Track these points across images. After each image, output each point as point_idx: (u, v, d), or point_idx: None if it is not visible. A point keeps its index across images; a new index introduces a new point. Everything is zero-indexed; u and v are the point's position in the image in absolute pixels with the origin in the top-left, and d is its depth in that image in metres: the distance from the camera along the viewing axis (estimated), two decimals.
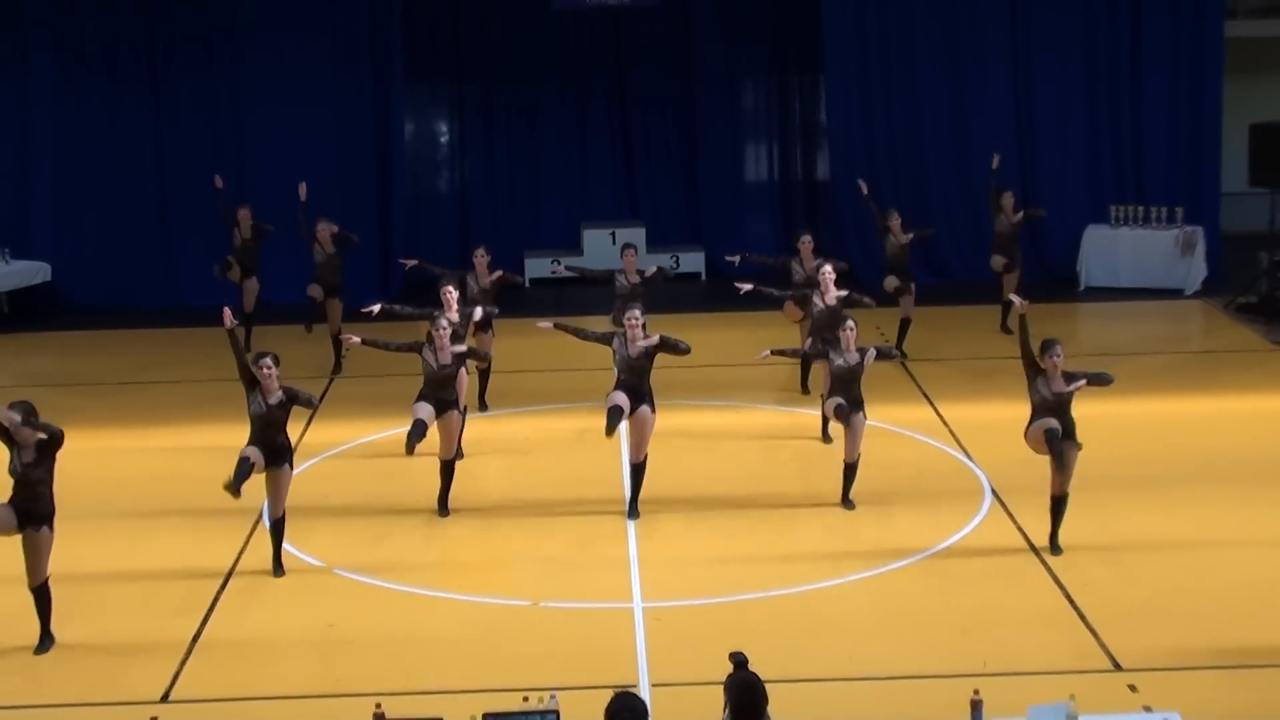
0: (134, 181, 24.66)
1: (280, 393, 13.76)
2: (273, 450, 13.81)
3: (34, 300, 24.06)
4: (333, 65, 24.57)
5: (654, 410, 15.34)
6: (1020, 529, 14.66)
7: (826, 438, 17.13)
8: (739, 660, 9.42)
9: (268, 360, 13.76)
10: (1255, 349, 21.25)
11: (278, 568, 14.10)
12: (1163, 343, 21.92)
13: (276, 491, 13.99)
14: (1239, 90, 25.24)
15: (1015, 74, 25.08)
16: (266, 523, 14.49)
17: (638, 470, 15.41)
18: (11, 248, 24.06)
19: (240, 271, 21.00)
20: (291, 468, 14.10)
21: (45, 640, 12.60)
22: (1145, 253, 24.15)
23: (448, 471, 15.45)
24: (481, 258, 18.44)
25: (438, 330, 15.29)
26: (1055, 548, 14.11)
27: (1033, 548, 14.32)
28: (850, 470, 15.37)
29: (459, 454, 15.88)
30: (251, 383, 13.77)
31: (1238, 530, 14.63)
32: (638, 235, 25.26)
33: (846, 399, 15.20)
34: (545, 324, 16.05)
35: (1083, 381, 13.92)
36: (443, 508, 15.45)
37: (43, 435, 12.08)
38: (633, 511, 15.34)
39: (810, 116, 26.76)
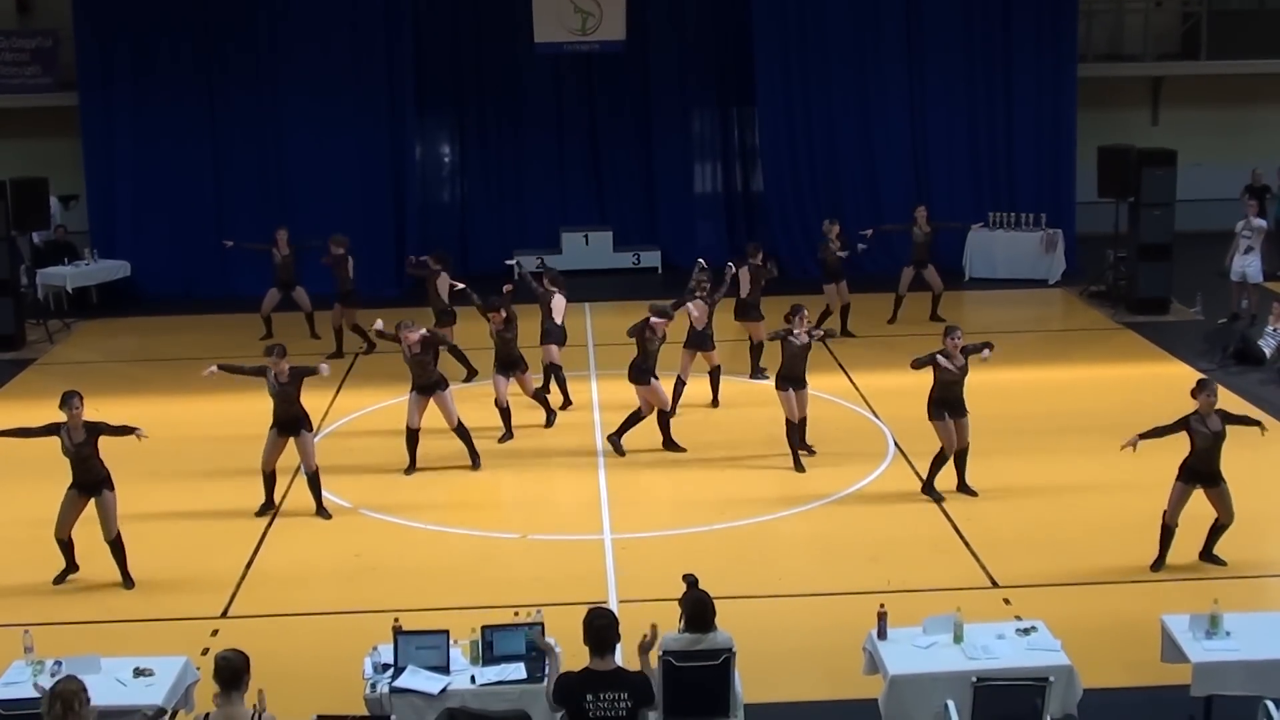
0: (197, 197, 24.45)
1: (288, 372, 13.71)
2: (290, 420, 13.81)
3: (117, 292, 23.92)
4: (357, 100, 24.40)
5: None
6: (917, 474, 14.63)
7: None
8: (691, 580, 9.41)
9: (274, 355, 13.76)
10: (1104, 328, 21.28)
11: (321, 511, 14.04)
12: (1031, 323, 21.94)
13: (305, 453, 13.96)
14: (1089, 120, 25.26)
15: (911, 106, 25.05)
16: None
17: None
18: (100, 249, 23.98)
19: (284, 283, 20.77)
20: (310, 431, 14.04)
21: (127, 582, 12.52)
22: (1017, 250, 24.17)
23: (463, 433, 15.31)
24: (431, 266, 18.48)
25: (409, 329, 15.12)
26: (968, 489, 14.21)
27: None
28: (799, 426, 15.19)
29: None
30: (263, 372, 13.78)
31: (1092, 474, 14.66)
32: (606, 238, 25.24)
33: (794, 373, 14.99)
34: None
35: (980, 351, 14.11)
36: (475, 461, 15.29)
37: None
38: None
39: (747, 140, 26.65)
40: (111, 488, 12.33)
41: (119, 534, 12.41)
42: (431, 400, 15.13)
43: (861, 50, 24.81)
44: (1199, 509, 12.28)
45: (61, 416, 12.17)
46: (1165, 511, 12.30)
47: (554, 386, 17.17)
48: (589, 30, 24.90)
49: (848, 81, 24.88)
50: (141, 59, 24.25)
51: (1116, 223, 22.52)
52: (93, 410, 12.45)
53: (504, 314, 15.99)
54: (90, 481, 12.24)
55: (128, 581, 12.49)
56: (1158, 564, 12.38)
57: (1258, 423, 12.60)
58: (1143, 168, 21.46)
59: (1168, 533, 12.34)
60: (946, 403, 13.93)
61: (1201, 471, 12.17)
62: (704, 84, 26.42)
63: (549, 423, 16.65)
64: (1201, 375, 12.47)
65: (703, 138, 26.89)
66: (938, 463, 14.11)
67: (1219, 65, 26.81)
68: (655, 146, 26.23)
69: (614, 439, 15.68)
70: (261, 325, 20.73)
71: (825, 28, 24.71)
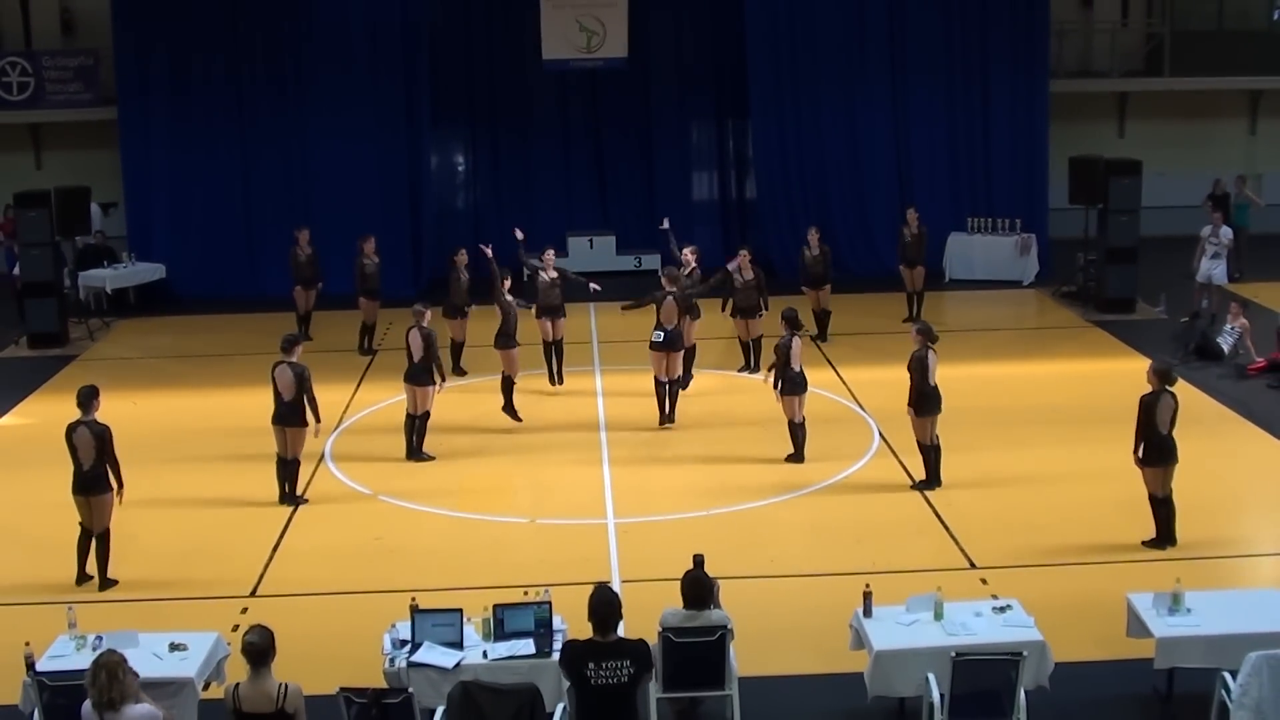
0: (227, 204, 24.46)
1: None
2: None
3: (153, 293, 23.86)
4: (376, 113, 24.37)
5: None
6: (900, 462, 14.65)
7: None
8: (697, 560, 9.43)
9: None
10: (1075, 326, 21.25)
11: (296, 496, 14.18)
12: (1007, 321, 21.94)
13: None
14: (1060, 131, 25.25)
15: (895, 119, 25.00)
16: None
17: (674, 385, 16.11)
18: (137, 253, 23.94)
19: (304, 278, 20.71)
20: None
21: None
22: (993, 253, 24.13)
23: (422, 422, 15.25)
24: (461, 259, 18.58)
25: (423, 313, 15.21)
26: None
27: (909, 476, 14.31)
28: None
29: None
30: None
31: (1064, 462, 14.66)
32: (609, 242, 25.22)
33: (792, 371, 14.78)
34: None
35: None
36: (411, 452, 15.23)
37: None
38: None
39: (741, 151, 26.63)
40: (109, 489, 11.92)
41: (108, 530, 12.02)
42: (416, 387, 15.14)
43: (849, 67, 24.77)
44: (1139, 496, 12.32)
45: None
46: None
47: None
48: (594, 48, 24.90)
49: (836, 96, 24.84)
50: (176, 76, 24.27)
51: (1086, 227, 22.50)
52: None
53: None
54: (92, 486, 11.91)
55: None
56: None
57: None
58: (1110, 177, 21.46)
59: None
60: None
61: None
62: (701, 98, 26.40)
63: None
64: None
65: (700, 148, 26.86)
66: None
67: (1180, 82, 26.83)
68: (655, 156, 26.22)
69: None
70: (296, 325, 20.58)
71: (815, 46, 24.66)
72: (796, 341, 14.62)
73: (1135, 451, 12.21)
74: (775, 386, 14.71)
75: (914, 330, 14.04)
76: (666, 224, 19.42)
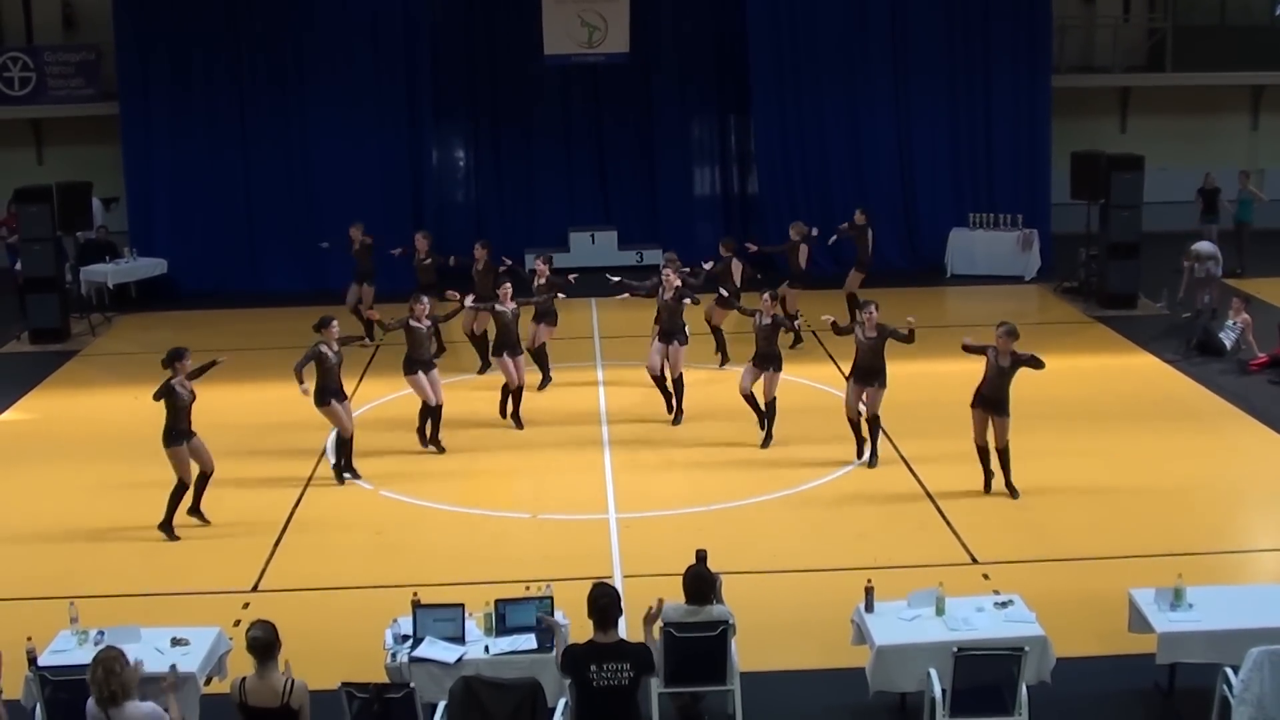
0: (229, 198, 24.44)
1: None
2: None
3: (155, 287, 23.88)
4: (378, 108, 24.37)
5: (683, 343, 16.06)
6: (902, 456, 14.65)
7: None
8: (700, 556, 9.42)
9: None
10: (1076, 321, 21.24)
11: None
12: (1008, 316, 21.36)
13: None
14: (1062, 127, 25.23)
15: (897, 114, 24.97)
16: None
17: (677, 384, 16.12)
18: (139, 248, 23.95)
19: (356, 274, 20.43)
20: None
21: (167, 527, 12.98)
22: (995, 248, 24.12)
23: (436, 413, 15.36)
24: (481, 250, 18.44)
25: (420, 304, 15.22)
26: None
27: (911, 471, 14.31)
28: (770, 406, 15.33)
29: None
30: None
31: (1066, 459, 14.67)
32: (611, 237, 25.20)
33: (767, 355, 15.15)
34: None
35: (889, 332, 14.24)
36: (423, 439, 15.40)
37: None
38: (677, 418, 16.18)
39: (743, 146, 26.56)
40: (174, 444, 12.88)
41: (180, 480, 12.91)
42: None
43: (850, 62, 24.75)
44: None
45: (166, 374, 12.78)
46: (973, 437, 13.54)
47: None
48: (595, 43, 24.89)
49: (837, 91, 24.81)
50: (178, 71, 24.25)
51: (1088, 223, 22.49)
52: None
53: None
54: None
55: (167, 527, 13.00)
56: (987, 485, 13.60)
57: (1040, 363, 13.58)
58: (1112, 172, 21.45)
59: (981, 452, 13.58)
60: (855, 369, 14.43)
61: (989, 399, 13.33)
62: (703, 93, 26.34)
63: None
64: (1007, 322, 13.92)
65: (702, 143, 26.80)
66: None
67: (1182, 77, 26.80)
68: (657, 152, 26.17)
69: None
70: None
71: (816, 40, 24.65)
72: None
73: (991, 406, 13.32)
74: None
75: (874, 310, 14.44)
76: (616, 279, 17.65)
